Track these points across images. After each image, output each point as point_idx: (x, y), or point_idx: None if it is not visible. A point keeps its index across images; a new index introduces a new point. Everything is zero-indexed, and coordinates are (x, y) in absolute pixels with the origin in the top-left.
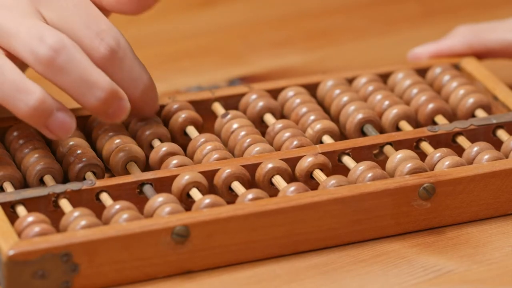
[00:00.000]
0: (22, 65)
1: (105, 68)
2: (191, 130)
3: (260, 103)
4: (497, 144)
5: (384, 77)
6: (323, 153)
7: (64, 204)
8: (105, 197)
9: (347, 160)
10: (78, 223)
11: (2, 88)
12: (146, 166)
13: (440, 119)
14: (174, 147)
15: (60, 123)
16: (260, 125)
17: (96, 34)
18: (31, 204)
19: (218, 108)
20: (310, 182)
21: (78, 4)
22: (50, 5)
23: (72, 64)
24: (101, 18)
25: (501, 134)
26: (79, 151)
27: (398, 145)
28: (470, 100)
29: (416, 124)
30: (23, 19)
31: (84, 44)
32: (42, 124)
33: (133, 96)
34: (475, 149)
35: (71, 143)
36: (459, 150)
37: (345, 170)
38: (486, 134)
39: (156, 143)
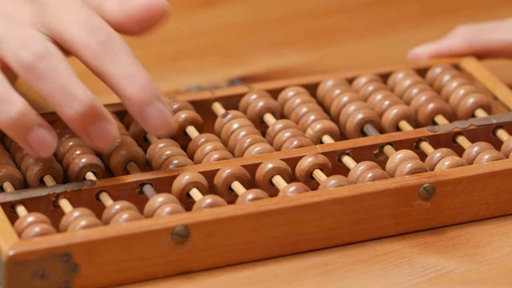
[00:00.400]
0: (14, 76)
1: (97, 63)
2: (191, 130)
3: (260, 103)
4: (497, 144)
5: (384, 77)
6: (323, 153)
7: (64, 204)
8: (105, 197)
9: (347, 160)
10: (78, 223)
11: None
12: (146, 166)
13: (440, 119)
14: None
15: (40, 139)
16: (260, 125)
17: (89, 30)
18: (31, 204)
19: (218, 108)
20: (310, 182)
21: (75, 6)
22: (51, 11)
23: (53, 73)
24: (95, 17)
25: (501, 134)
26: (79, 151)
27: (398, 145)
28: (470, 100)
29: (416, 124)
30: (16, 26)
31: (77, 42)
32: (21, 137)
33: (128, 93)
34: (475, 149)
35: (71, 143)
36: (459, 150)
37: (345, 170)
38: (486, 134)
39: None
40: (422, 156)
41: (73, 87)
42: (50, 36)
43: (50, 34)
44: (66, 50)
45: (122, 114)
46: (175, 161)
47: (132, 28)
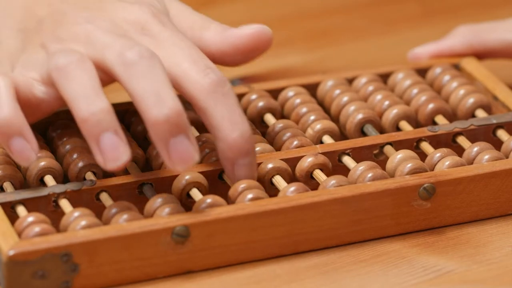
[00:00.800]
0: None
1: (207, 100)
2: (192, 131)
3: (260, 103)
4: (497, 144)
5: (384, 77)
6: (323, 153)
7: (64, 204)
8: (105, 197)
9: (347, 160)
10: (78, 223)
11: (75, 86)
12: (146, 166)
13: (440, 119)
14: None
15: (112, 145)
16: (260, 125)
17: (203, 68)
18: (31, 204)
19: None
20: (310, 182)
21: (189, 46)
22: (166, 46)
23: (152, 73)
24: (207, 58)
25: (501, 134)
26: (79, 151)
27: (398, 145)
28: (470, 100)
29: (416, 124)
30: (124, 38)
31: (190, 77)
32: (94, 137)
33: (230, 139)
34: (475, 149)
35: (71, 143)
36: (459, 150)
37: (345, 170)
38: (486, 134)
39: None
40: (422, 156)
41: (166, 92)
42: None
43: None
44: (175, 85)
45: (122, 114)
46: None
47: (235, 59)
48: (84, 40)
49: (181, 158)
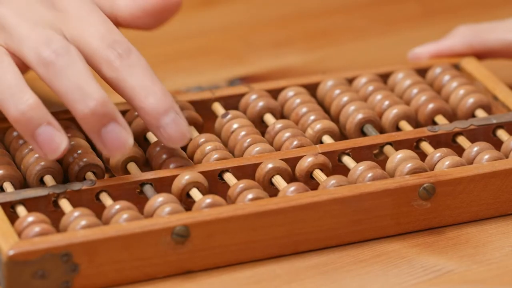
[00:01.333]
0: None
1: (116, 76)
2: (191, 130)
3: (260, 103)
4: (497, 144)
5: (384, 77)
6: (323, 153)
7: (64, 204)
8: (105, 197)
9: (347, 160)
10: (78, 223)
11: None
12: (146, 166)
13: (440, 119)
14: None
15: (48, 137)
16: (260, 125)
17: (110, 44)
18: (31, 204)
19: (218, 108)
20: (310, 182)
21: (97, 20)
22: (72, 21)
23: (71, 70)
24: (116, 31)
25: (501, 134)
26: (79, 151)
27: (398, 145)
28: (470, 100)
29: (416, 124)
30: (37, 26)
31: (97, 54)
32: (29, 133)
33: (145, 104)
34: (475, 149)
35: (71, 143)
36: (459, 150)
37: (345, 170)
38: (486, 134)
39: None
40: (422, 156)
41: (88, 85)
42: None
43: (71, 42)
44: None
45: (122, 114)
46: (173, 164)
47: (146, 22)
48: None
49: (116, 145)
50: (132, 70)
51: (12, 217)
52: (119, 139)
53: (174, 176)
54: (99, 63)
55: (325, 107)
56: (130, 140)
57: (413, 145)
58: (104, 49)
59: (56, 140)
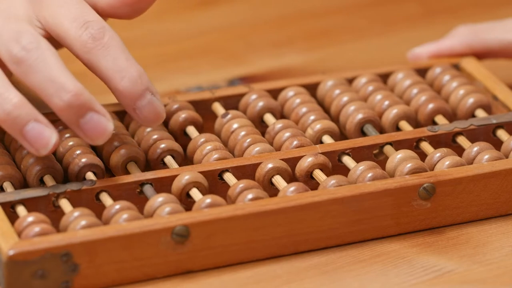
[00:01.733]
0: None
1: (88, 57)
2: (191, 130)
3: (260, 103)
4: (497, 144)
5: (384, 77)
6: (323, 153)
7: (64, 204)
8: (105, 197)
9: (347, 160)
10: (78, 223)
11: None
12: (146, 166)
13: (440, 119)
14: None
15: (36, 134)
16: (260, 125)
17: (81, 24)
18: (31, 204)
19: (218, 108)
20: (310, 182)
21: (70, 2)
22: (45, 5)
23: (42, 64)
24: (90, 12)
25: (501, 134)
26: (79, 151)
27: (398, 145)
28: (470, 100)
29: (416, 124)
30: (9, 20)
31: (69, 35)
32: (18, 131)
33: (120, 87)
34: (475, 149)
35: (71, 143)
36: (459, 150)
37: (345, 170)
38: (486, 134)
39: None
40: (422, 156)
41: (61, 78)
42: (44, 29)
43: (44, 27)
44: (60, 43)
45: (122, 114)
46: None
47: (124, 11)
48: None
49: (96, 134)
50: (106, 51)
51: (12, 217)
52: (99, 127)
53: (174, 176)
54: (72, 44)
55: (325, 107)
56: (109, 125)
57: (413, 145)
58: (76, 30)
59: (46, 135)
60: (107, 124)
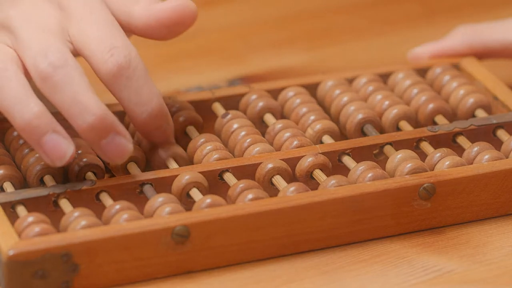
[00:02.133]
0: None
1: (111, 84)
2: (191, 130)
3: (260, 103)
4: (497, 144)
5: (384, 77)
6: (323, 153)
7: (64, 204)
8: (105, 197)
9: (347, 160)
10: (78, 223)
11: (5, 96)
12: (146, 166)
13: (440, 119)
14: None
15: (54, 145)
16: (260, 125)
17: (108, 49)
18: (31, 204)
19: (218, 108)
20: (310, 182)
21: (100, 21)
22: (75, 20)
23: (68, 84)
24: (119, 35)
25: (501, 134)
26: (79, 151)
27: (398, 145)
28: (470, 100)
29: (416, 124)
30: (40, 33)
31: (95, 59)
32: (35, 141)
33: (139, 120)
34: (475, 149)
35: (77, 152)
36: (459, 150)
37: (345, 170)
38: (486, 134)
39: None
40: (422, 156)
41: (86, 99)
42: (72, 45)
43: (72, 43)
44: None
45: (122, 114)
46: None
47: (160, 32)
48: (7, 29)
49: (116, 154)
50: (130, 82)
51: (12, 217)
52: (119, 148)
53: (174, 176)
54: (97, 67)
55: (325, 107)
56: (129, 147)
57: (413, 145)
58: (102, 54)
59: (63, 147)
60: (127, 145)
